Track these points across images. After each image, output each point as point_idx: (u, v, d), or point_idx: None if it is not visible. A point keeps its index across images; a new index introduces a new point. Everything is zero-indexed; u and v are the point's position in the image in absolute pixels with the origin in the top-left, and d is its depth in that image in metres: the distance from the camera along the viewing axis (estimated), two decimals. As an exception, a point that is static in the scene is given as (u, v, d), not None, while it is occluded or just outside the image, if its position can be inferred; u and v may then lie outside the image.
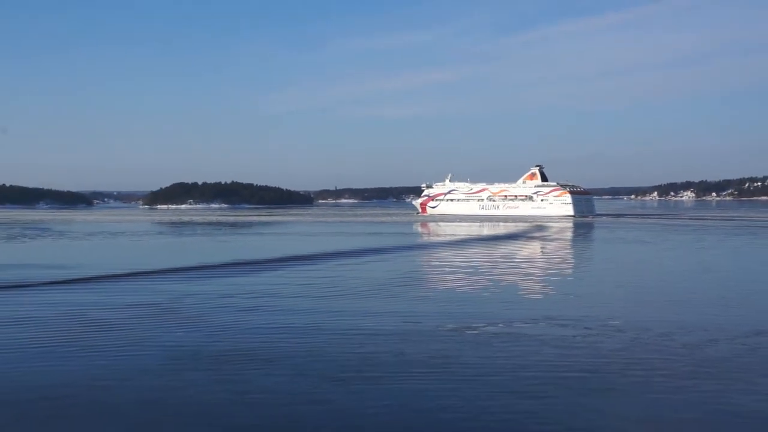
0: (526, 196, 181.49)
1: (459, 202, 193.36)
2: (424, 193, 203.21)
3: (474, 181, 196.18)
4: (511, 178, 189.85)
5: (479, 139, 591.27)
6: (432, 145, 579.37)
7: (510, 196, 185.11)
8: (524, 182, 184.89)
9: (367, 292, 40.01)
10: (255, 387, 20.17)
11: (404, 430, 16.96)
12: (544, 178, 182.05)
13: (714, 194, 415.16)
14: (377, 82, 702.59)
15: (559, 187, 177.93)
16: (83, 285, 43.53)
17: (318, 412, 17.85)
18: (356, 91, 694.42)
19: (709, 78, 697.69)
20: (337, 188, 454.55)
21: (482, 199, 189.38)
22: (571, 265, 60.01)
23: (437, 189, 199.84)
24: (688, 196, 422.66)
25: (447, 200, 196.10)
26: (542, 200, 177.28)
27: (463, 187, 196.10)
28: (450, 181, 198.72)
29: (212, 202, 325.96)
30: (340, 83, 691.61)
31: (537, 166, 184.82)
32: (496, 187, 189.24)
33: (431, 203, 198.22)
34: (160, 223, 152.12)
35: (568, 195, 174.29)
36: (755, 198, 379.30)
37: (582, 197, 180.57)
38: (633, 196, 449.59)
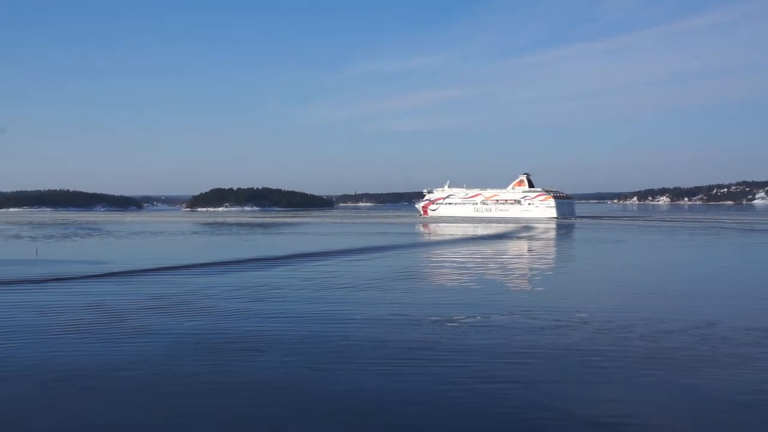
0: (515, 200, 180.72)
1: (456, 206, 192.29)
2: (425, 198, 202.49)
3: (469, 186, 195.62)
4: (502, 185, 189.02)
5: (475, 150, 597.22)
6: (435, 155, 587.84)
7: (501, 200, 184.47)
8: (513, 188, 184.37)
9: (362, 286, 38.95)
10: (243, 375, 19.12)
11: (374, 410, 16.29)
12: (531, 185, 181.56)
13: (686, 199, 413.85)
14: (391, 100, 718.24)
15: (544, 193, 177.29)
16: (112, 278, 42.68)
17: (297, 398, 17.06)
18: (373, 108, 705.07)
19: (682, 97, 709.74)
20: (356, 193, 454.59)
21: (476, 203, 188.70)
22: (549, 262, 58.63)
23: (437, 194, 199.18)
24: (663, 200, 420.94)
25: (446, 204, 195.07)
26: (529, 204, 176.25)
27: (459, 192, 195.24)
28: (448, 186, 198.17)
29: (245, 205, 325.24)
30: (360, 101, 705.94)
31: (525, 174, 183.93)
32: (488, 192, 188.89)
33: (432, 206, 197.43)
34: (197, 223, 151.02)
35: (552, 199, 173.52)
36: (721, 202, 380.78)
37: (564, 201, 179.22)
38: (616, 201, 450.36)
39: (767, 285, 41.45)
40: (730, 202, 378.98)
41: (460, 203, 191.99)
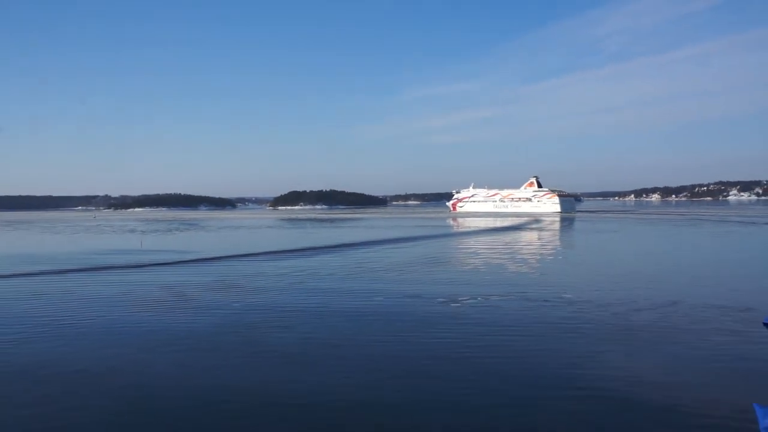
0: (527, 198, 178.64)
1: (479, 203, 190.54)
2: (454, 197, 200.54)
3: (490, 187, 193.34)
4: (516, 185, 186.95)
5: (496, 157, 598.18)
6: (466, 161, 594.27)
7: (515, 198, 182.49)
8: (525, 188, 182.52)
9: (388, 270, 37.57)
10: (266, 348, 18.14)
11: (378, 373, 15.43)
12: (539, 185, 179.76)
13: (674, 196, 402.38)
14: (435, 118, 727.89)
15: (550, 192, 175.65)
16: (188, 265, 42.25)
17: (310, 370, 15.93)
18: (421, 125, 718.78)
19: (667, 114, 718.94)
20: (406, 193, 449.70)
21: (495, 201, 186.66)
22: (549, 249, 56.21)
23: (464, 193, 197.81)
24: (655, 197, 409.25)
25: (471, 201, 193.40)
26: (538, 201, 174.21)
27: (482, 191, 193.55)
28: (473, 187, 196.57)
29: (316, 204, 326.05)
30: (411, 119, 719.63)
31: (534, 176, 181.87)
32: (505, 192, 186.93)
33: (459, 204, 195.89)
34: (274, 219, 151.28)
35: (557, 197, 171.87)
36: (702, 198, 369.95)
37: (567, 198, 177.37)
38: (616, 198, 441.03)
39: (729, 268, 38.86)
40: (709, 198, 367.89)
41: (482, 201, 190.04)
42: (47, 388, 14.63)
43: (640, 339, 18.63)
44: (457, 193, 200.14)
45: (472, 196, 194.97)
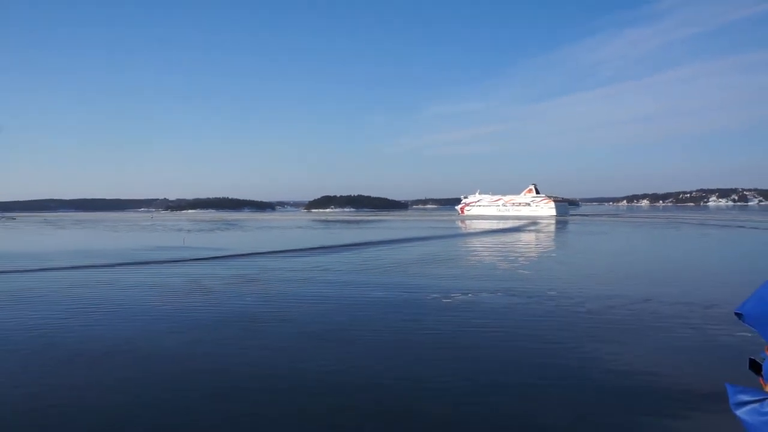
0: (526, 203, 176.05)
1: (484, 207, 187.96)
2: (462, 201, 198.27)
3: (494, 193, 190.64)
4: (517, 192, 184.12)
5: (500, 167, 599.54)
6: (475, 170, 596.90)
7: (516, 203, 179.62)
8: (525, 194, 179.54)
9: (390, 267, 36.09)
10: (265, 342, 16.83)
11: (361, 370, 13.76)
12: (537, 192, 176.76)
13: (661, 201, 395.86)
14: (450, 133, 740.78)
15: (547, 197, 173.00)
16: (214, 261, 41.09)
17: (301, 360, 14.64)
18: (437, 138, 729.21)
19: (656, 128, 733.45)
20: (425, 198, 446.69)
21: (498, 205, 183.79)
22: (540, 249, 54.22)
23: (471, 198, 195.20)
24: (645, 202, 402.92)
25: (477, 205, 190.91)
26: (536, 206, 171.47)
27: (486, 197, 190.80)
28: (479, 193, 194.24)
29: (345, 207, 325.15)
30: (429, 133, 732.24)
31: (533, 184, 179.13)
32: (507, 197, 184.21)
33: (467, 207, 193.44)
34: (306, 221, 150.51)
35: (552, 202, 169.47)
36: (686, 204, 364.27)
37: (562, 204, 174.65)
38: (610, 203, 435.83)
39: (700, 267, 36.98)
40: (692, 204, 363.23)
41: (487, 205, 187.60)
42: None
43: (614, 331, 17.22)
44: (465, 198, 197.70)
45: (478, 200, 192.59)
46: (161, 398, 11.89)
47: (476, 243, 60.96)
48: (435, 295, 24.64)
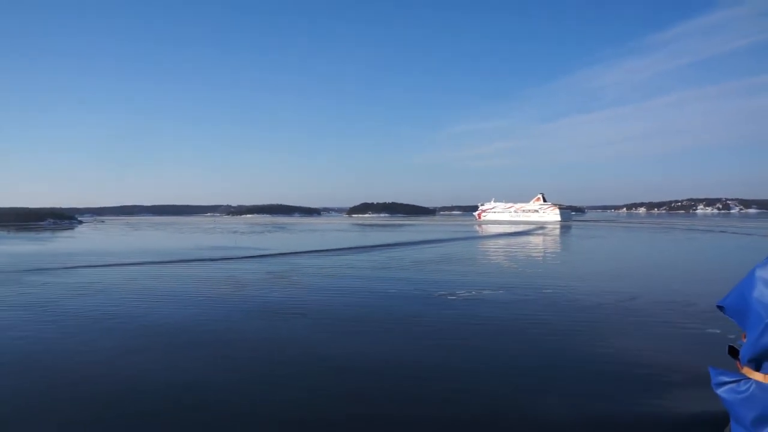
0: (535, 210, 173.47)
1: (498, 213, 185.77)
2: (479, 208, 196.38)
3: (507, 201, 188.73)
4: (527, 200, 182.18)
5: (513, 178, 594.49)
6: (494, 180, 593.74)
7: (525, 209, 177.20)
8: (533, 202, 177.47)
9: (405, 267, 34.63)
10: (281, 333, 16.01)
11: (360, 360, 12.85)
12: (544, 200, 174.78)
13: (656, 209, 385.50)
14: (472, 149, 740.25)
15: (553, 205, 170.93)
16: (256, 259, 40.61)
17: (309, 351, 13.63)
18: (461, 153, 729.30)
19: (654, 145, 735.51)
20: (452, 205, 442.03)
21: (511, 212, 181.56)
22: (542, 251, 52.08)
23: (486, 206, 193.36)
24: (642, 210, 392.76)
25: (492, 212, 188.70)
26: (543, 212, 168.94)
27: (500, 204, 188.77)
28: (494, 201, 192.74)
29: (381, 213, 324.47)
30: (453, 149, 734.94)
31: (541, 193, 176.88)
32: (518, 205, 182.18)
33: (483, 213, 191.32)
34: (347, 224, 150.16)
35: (557, 209, 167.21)
36: (677, 211, 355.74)
37: (566, 210, 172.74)
38: (612, 210, 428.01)
39: (683, 268, 35.15)
40: (682, 211, 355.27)
41: (501, 211, 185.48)
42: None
43: (603, 326, 15.84)
44: (482, 205, 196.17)
45: (493, 207, 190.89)
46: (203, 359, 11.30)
47: (487, 245, 59.49)
48: (441, 293, 23.30)
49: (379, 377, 11.64)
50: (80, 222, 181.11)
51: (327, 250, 48.35)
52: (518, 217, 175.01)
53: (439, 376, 11.70)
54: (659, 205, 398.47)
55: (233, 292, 23.94)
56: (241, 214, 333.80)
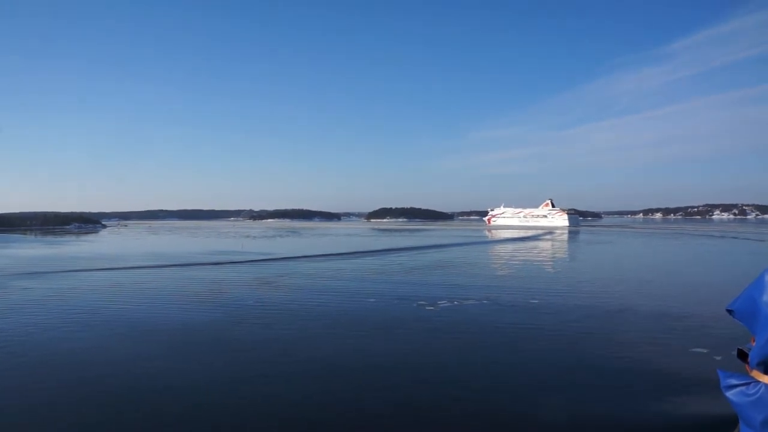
0: (543, 215, 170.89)
1: (508, 218, 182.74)
2: (489, 213, 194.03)
3: (516, 206, 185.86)
4: (536, 205, 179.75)
5: (525, 184, 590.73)
6: (512, 186, 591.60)
7: (534, 215, 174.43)
8: (542, 207, 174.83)
9: (399, 272, 33.12)
10: (273, 332, 15.83)
11: (345, 359, 11.68)
12: (553, 205, 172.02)
13: (672, 215, 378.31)
14: (491, 155, 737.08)
15: (561, 210, 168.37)
16: (256, 263, 39.55)
17: (303, 349, 12.81)
18: (480, 160, 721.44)
19: (668, 151, 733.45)
20: (469, 210, 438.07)
21: (520, 217, 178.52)
22: (542, 257, 49.53)
23: (496, 211, 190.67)
24: (658, 215, 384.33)
25: (501, 217, 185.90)
26: (552, 217, 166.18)
27: (510, 210, 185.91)
28: (503, 206, 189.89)
29: (399, 218, 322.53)
30: (473, 155, 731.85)
31: (549, 198, 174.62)
32: (527, 210, 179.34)
33: (493, 218, 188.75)
34: (364, 229, 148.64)
35: (566, 214, 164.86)
36: (694, 217, 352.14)
37: (574, 216, 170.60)
38: (629, 215, 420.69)
39: (683, 275, 33.25)
40: (699, 217, 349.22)
41: (510, 216, 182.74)
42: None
43: (571, 346, 14.32)
44: (492, 210, 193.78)
45: (502, 212, 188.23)
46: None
47: (490, 251, 57.81)
48: (424, 301, 21.99)
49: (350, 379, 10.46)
50: (104, 226, 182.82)
51: (327, 255, 47.15)
52: (527, 222, 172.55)
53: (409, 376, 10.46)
54: (675, 210, 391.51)
55: (208, 297, 22.92)
56: (262, 219, 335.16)
